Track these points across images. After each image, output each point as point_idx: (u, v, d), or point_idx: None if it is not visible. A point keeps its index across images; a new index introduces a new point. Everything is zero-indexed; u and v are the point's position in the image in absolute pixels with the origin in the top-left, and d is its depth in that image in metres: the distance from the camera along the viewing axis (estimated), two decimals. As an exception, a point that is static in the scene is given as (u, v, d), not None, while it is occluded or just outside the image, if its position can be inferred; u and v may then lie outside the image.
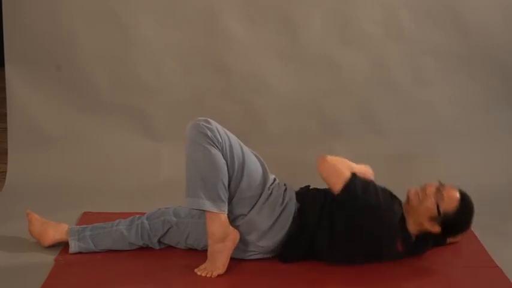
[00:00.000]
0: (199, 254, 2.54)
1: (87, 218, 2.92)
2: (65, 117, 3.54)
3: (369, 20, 3.52)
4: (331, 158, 2.50)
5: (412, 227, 2.52)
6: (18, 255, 2.60)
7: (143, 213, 2.68)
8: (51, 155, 3.49)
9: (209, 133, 2.42)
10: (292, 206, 2.55)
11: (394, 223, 2.48)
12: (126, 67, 3.53)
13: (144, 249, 2.64)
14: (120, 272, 2.48)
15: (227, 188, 2.45)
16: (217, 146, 2.43)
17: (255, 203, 2.51)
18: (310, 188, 2.68)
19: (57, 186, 3.34)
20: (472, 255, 2.72)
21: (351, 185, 2.44)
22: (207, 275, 2.44)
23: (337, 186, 2.46)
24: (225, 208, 2.44)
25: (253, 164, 2.53)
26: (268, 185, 2.54)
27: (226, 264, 2.46)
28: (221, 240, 2.43)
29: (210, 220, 2.43)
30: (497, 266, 2.61)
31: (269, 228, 2.51)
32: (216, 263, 2.45)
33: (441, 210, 2.44)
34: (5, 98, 3.51)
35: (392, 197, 2.59)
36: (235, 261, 2.52)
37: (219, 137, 2.44)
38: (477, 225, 2.93)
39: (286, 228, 2.52)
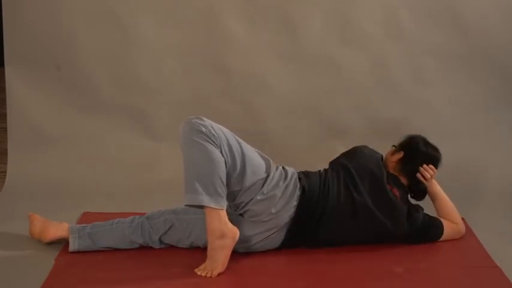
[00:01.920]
0: (200, 253, 2.54)
1: (87, 218, 2.91)
2: (65, 117, 3.54)
3: (369, 20, 3.52)
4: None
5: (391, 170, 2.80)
6: (18, 255, 2.60)
7: (143, 213, 2.68)
8: (51, 155, 3.49)
9: (203, 129, 2.44)
10: (296, 177, 2.62)
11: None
12: (126, 67, 3.53)
13: (145, 249, 2.64)
14: (120, 272, 2.48)
15: (225, 183, 2.45)
16: (213, 142, 2.44)
17: (262, 186, 2.53)
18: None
19: (57, 186, 3.34)
20: (472, 255, 2.73)
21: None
22: (207, 275, 2.44)
23: None
24: (224, 204, 2.44)
25: (252, 153, 2.57)
26: (272, 170, 2.58)
27: (226, 262, 2.46)
28: (221, 237, 2.42)
29: (209, 216, 2.43)
30: (497, 266, 2.61)
31: (279, 199, 2.54)
32: (216, 261, 2.44)
33: (396, 145, 2.87)
34: (4, 98, 3.52)
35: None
36: (236, 260, 2.52)
37: (213, 132, 2.45)
38: (477, 225, 2.94)
39: (295, 199, 2.56)
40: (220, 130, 2.50)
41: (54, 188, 3.31)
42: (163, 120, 3.60)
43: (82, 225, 2.66)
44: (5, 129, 3.56)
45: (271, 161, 2.63)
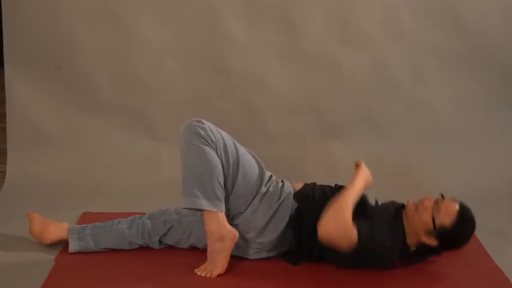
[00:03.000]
0: (200, 254, 2.54)
1: (86, 218, 2.92)
2: (65, 117, 3.54)
3: (369, 20, 3.52)
4: (330, 223, 2.35)
5: (411, 239, 2.49)
6: (17, 255, 2.60)
7: (143, 213, 2.68)
8: (51, 155, 3.49)
9: (202, 132, 2.44)
10: (290, 201, 2.55)
11: (396, 252, 2.47)
12: (126, 67, 3.53)
13: (144, 249, 2.64)
14: (120, 272, 2.48)
15: (223, 186, 2.45)
16: (210, 145, 2.44)
17: (252, 200, 2.52)
18: (316, 185, 2.66)
19: (57, 186, 3.34)
20: (472, 255, 2.72)
21: (360, 243, 2.35)
22: (207, 275, 2.44)
23: (348, 246, 2.36)
24: (222, 207, 2.44)
25: (248, 162, 2.55)
26: (264, 182, 2.55)
27: (226, 263, 2.46)
28: (220, 239, 2.43)
29: (208, 219, 2.43)
30: (497, 266, 2.61)
31: (266, 223, 2.51)
32: (216, 263, 2.45)
33: (437, 223, 2.40)
34: (4, 98, 3.51)
35: (395, 208, 2.55)
36: (236, 261, 2.52)
37: (212, 135, 2.45)
38: (477, 226, 2.93)
39: (284, 224, 2.52)
40: (220, 134, 2.49)
41: (54, 188, 3.31)
42: (163, 120, 3.60)
43: (82, 225, 2.66)
44: (4, 129, 3.56)
45: (267, 175, 2.59)
